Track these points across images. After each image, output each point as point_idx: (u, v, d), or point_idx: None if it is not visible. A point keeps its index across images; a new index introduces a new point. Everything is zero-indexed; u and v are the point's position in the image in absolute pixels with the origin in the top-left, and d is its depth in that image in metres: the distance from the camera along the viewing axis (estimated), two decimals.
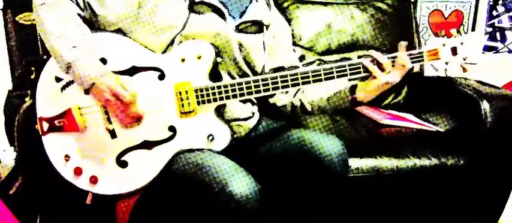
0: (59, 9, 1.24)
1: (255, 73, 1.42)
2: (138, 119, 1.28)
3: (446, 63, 1.32)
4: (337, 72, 1.30)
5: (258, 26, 1.43)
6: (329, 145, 1.28)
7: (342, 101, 1.39)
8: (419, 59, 1.32)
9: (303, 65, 1.72)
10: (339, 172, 1.29)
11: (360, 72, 1.31)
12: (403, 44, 1.32)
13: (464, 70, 1.31)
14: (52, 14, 1.23)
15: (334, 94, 1.40)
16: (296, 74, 1.30)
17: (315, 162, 1.27)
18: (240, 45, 1.38)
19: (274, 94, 1.49)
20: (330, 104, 1.42)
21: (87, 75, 1.21)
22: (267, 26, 1.45)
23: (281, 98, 1.51)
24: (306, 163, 1.28)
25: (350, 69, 1.31)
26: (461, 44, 1.30)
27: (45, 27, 1.23)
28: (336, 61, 2.08)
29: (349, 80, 1.33)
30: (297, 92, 1.49)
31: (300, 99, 1.48)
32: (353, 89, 1.37)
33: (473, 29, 2.64)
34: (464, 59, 1.31)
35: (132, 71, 1.28)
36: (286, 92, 1.51)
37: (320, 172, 1.27)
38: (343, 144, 1.32)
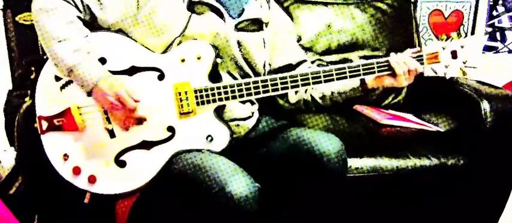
0: (58, 13, 1.24)
1: (255, 72, 1.42)
2: (138, 121, 1.28)
3: (446, 67, 1.33)
4: (336, 74, 1.31)
5: (258, 24, 1.42)
6: (328, 143, 1.28)
7: (354, 92, 1.41)
8: (419, 61, 1.33)
9: None
10: (338, 171, 1.28)
11: (359, 75, 1.32)
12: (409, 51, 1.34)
13: (464, 73, 1.32)
14: (52, 18, 1.23)
15: (346, 87, 1.41)
16: (295, 76, 1.30)
17: (314, 161, 1.27)
18: (239, 44, 1.38)
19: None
20: (342, 97, 1.43)
21: (90, 78, 1.21)
22: (266, 24, 1.45)
23: (293, 95, 1.52)
24: (305, 161, 1.28)
25: (349, 71, 1.31)
26: (462, 47, 1.31)
27: (45, 31, 1.23)
28: (336, 61, 2.09)
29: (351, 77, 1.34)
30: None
31: (310, 94, 1.48)
32: (363, 80, 1.38)
33: (473, 29, 2.64)
34: (464, 62, 1.31)
35: (132, 70, 1.29)
36: (296, 93, 1.52)
37: (319, 171, 1.27)
38: (342, 143, 1.31)
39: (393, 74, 1.32)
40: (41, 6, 1.24)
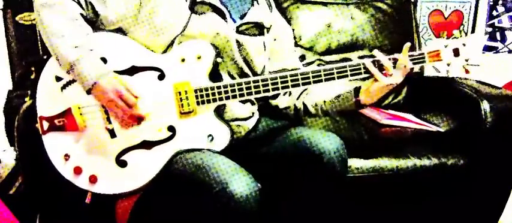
0: (60, 9, 1.24)
1: (254, 73, 1.42)
2: (139, 120, 1.28)
3: (448, 65, 1.31)
4: (337, 72, 1.30)
5: (259, 28, 1.42)
6: (327, 142, 1.28)
7: (346, 104, 1.39)
8: (421, 60, 1.32)
9: (303, 65, 1.72)
10: (338, 170, 1.28)
11: (360, 73, 1.31)
12: (407, 45, 1.31)
13: (467, 72, 1.30)
14: (54, 14, 1.23)
15: (339, 96, 1.40)
16: (296, 75, 1.29)
17: (313, 159, 1.27)
18: (240, 45, 1.38)
19: (277, 96, 1.49)
20: (334, 107, 1.42)
21: (89, 75, 1.21)
22: (268, 29, 1.45)
23: (283, 100, 1.51)
24: (304, 160, 1.28)
25: (351, 70, 1.31)
26: (464, 45, 1.30)
27: (46, 27, 1.23)
28: (336, 61, 2.09)
29: (350, 80, 1.33)
30: (300, 95, 1.49)
31: (303, 102, 1.47)
32: (357, 91, 1.37)
33: (473, 29, 2.64)
34: (467, 61, 1.30)
35: (132, 70, 1.29)
36: (289, 94, 1.51)
37: (319, 169, 1.27)
38: (342, 141, 1.31)
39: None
40: (43, 2, 1.24)
